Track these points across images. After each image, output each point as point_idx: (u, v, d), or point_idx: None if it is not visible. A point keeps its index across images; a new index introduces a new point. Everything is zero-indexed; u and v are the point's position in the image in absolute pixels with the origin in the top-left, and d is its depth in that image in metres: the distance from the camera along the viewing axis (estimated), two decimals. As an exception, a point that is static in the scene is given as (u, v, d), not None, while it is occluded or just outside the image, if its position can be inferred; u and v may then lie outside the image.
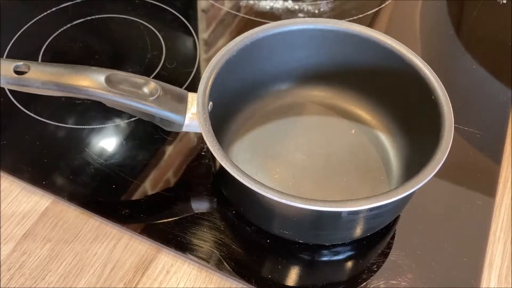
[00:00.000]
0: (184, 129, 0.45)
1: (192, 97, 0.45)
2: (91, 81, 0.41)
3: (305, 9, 0.71)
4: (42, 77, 0.40)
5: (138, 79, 0.44)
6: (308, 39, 0.51)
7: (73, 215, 0.49)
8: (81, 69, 0.42)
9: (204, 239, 0.46)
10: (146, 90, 0.43)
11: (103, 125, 0.56)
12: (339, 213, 0.39)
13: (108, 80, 0.42)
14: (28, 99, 0.57)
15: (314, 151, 0.52)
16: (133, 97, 0.42)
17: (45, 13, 0.69)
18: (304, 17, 0.70)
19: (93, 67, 0.42)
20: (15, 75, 0.40)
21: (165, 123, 0.45)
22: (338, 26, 0.50)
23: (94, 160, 0.52)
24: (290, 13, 0.70)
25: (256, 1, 0.72)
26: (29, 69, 0.40)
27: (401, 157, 0.50)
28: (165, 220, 0.48)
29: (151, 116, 0.45)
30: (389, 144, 0.52)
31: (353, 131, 0.53)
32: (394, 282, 0.44)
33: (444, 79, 0.46)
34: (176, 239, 0.46)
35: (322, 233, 0.45)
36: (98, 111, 0.57)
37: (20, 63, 0.40)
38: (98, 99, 0.42)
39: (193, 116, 0.44)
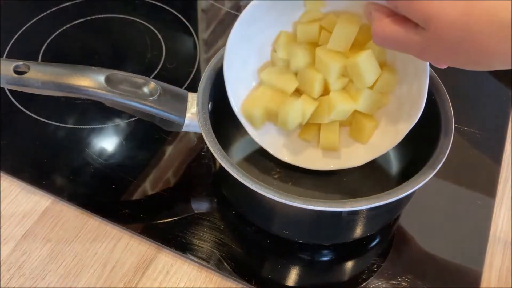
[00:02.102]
0: (184, 129, 0.45)
1: (192, 97, 0.45)
2: (91, 81, 0.41)
3: (305, 9, 0.71)
4: (42, 77, 0.40)
5: (138, 79, 0.44)
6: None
7: (73, 215, 0.49)
8: (81, 69, 0.42)
9: (204, 239, 0.46)
10: (146, 90, 0.43)
11: (103, 125, 0.56)
12: (339, 213, 0.39)
13: (108, 80, 0.42)
14: (28, 99, 0.57)
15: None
16: (133, 97, 0.42)
17: (45, 13, 0.69)
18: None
19: (93, 67, 0.42)
20: (15, 75, 0.40)
21: (165, 123, 0.45)
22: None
23: (94, 160, 0.52)
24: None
25: (256, 1, 0.72)
26: (29, 69, 0.40)
27: (401, 157, 0.50)
28: (165, 220, 0.48)
29: (151, 116, 0.45)
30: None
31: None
32: (394, 282, 0.44)
33: (444, 79, 0.46)
34: (176, 239, 0.46)
35: (322, 233, 0.45)
36: (98, 111, 0.57)
37: (20, 63, 0.40)
38: (98, 99, 0.42)
39: (193, 116, 0.44)
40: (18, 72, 0.40)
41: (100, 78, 0.42)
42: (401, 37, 0.34)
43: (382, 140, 0.47)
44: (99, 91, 0.41)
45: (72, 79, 0.41)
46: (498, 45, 0.30)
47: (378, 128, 0.48)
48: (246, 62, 0.46)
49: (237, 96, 0.46)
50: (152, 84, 0.44)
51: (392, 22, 0.35)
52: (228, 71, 0.44)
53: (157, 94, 0.43)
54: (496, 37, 0.30)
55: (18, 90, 0.41)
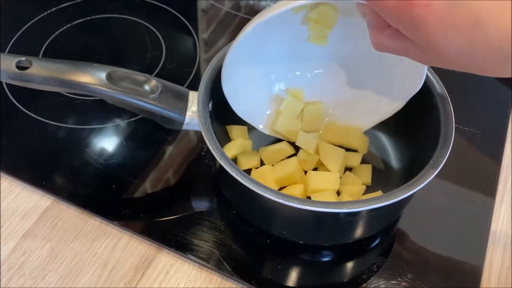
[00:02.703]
0: (185, 127, 0.45)
1: (193, 96, 0.45)
2: (92, 78, 0.41)
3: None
4: (43, 73, 0.40)
5: (139, 76, 0.44)
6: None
7: (73, 215, 0.49)
8: (83, 65, 0.42)
9: (204, 239, 0.46)
10: (147, 87, 0.43)
11: (103, 125, 0.56)
12: (337, 214, 0.39)
13: (109, 77, 0.42)
14: (28, 98, 0.57)
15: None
16: (134, 94, 0.42)
17: (45, 13, 0.69)
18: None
19: (95, 64, 0.42)
20: (17, 70, 0.40)
21: (165, 121, 0.45)
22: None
23: (94, 160, 0.52)
24: (290, 14, 0.70)
25: (256, 1, 0.72)
26: (31, 64, 0.40)
27: (401, 157, 0.50)
28: (165, 220, 0.48)
29: (151, 114, 0.45)
30: (389, 144, 0.52)
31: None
32: (394, 282, 0.44)
33: (444, 79, 0.46)
34: (176, 239, 0.46)
35: (321, 233, 0.44)
36: (98, 111, 0.57)
37: (23, 58, 0.40)
38: (99, 95, 0.42)
39: (193, 114, 0.44)
40: (20, 67, 0.40)
41: (102, 75, 0.42)
42: (402, 49, 0.34)
43: (384, 107, 0.50)
44: (100, 87, 0.41)
45: (73, 75, 0.41)
46: (502, 69, 0.31)
47: (379, 94, 0.50)
48: (241, 68, 0.47)
49: (235, 97, 0.46)
50: (153, 81, 0.44)
51: (392, 35, 0.34)
52: (225, 76, 0.45)
53: (158, 92, 0.43)
54: (501, 64, 0.31)
55: (20, 85, 0.41)
